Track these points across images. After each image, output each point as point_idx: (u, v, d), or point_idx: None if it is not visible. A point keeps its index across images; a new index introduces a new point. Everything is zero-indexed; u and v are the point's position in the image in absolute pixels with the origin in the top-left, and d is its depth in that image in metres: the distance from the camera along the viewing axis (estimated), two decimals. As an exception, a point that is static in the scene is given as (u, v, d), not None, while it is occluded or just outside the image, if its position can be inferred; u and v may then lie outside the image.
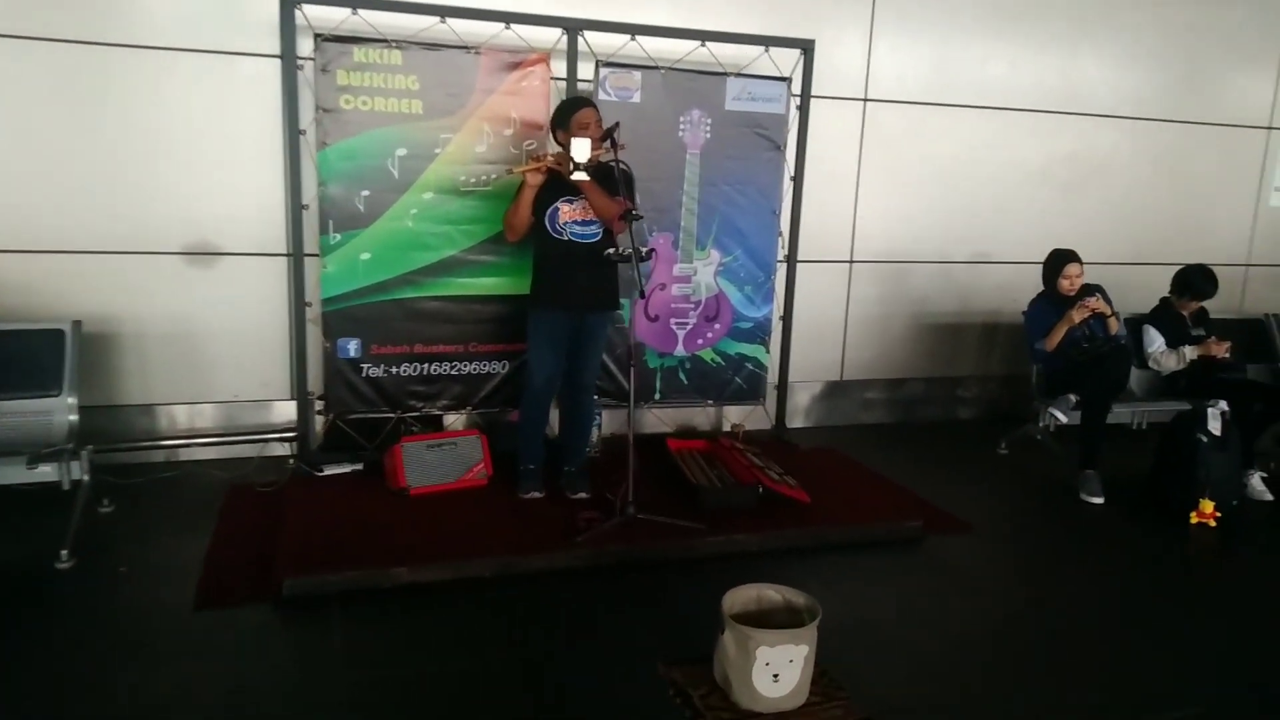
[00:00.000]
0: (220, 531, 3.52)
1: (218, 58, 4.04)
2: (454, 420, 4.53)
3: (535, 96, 4.23)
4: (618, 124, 3.53)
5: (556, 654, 2.78)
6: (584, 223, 3.69)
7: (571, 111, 3.64)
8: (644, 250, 3.54)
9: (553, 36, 4.24)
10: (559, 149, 3.69)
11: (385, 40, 3.99)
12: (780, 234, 4.80)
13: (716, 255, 4.70)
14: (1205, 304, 4.89)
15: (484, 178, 4.21)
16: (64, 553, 3.20)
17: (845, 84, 5.03)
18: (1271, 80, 5.95)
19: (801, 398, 5.30)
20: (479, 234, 4.24)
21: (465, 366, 4.38)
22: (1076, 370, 4.53)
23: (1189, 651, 2.97)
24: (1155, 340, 4.79)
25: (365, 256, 4.11)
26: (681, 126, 4.50)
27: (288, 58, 3.93)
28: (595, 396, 4.17)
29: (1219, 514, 3.99)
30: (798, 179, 4.78)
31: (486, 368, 4.41)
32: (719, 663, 2.09)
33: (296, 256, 4.12)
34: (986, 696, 2.66)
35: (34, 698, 2.46)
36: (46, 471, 3.27)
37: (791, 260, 4.87)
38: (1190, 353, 4.70)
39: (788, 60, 4.63)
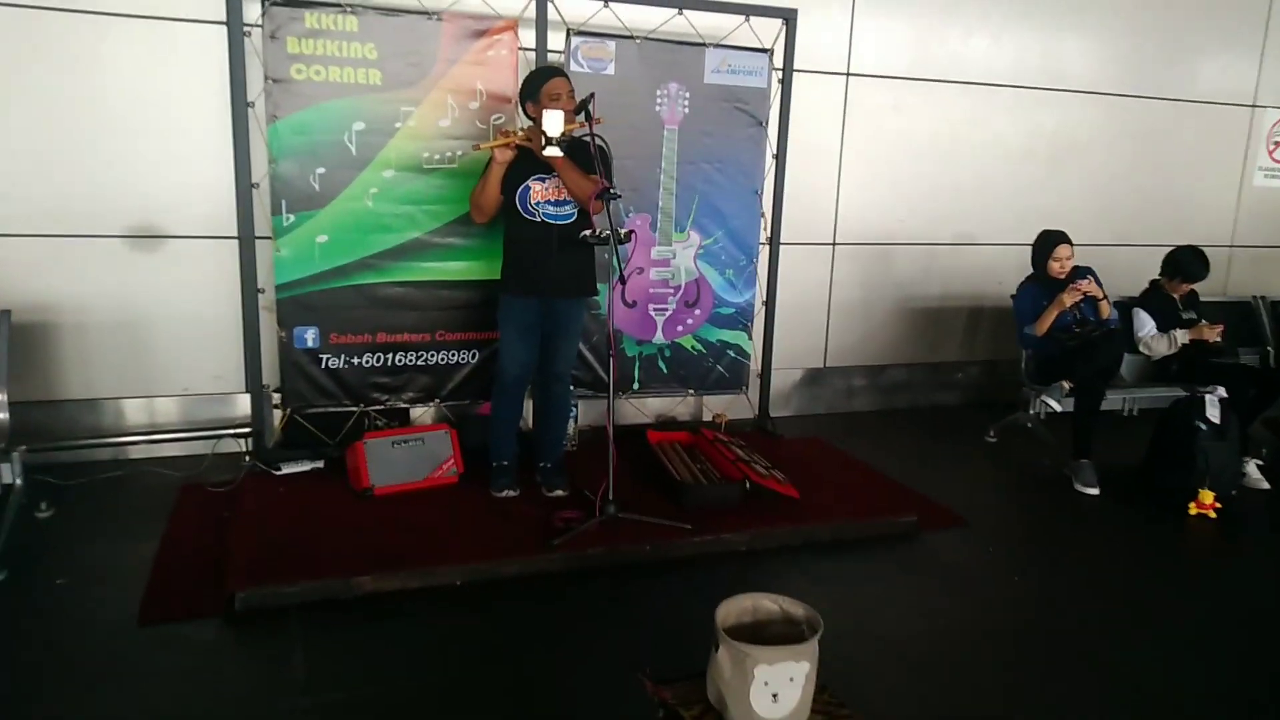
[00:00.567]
0: (169, 537, 3.35)
1: (157, 24, 3.82)
2: (421, 414, 4.39)
3: (503, 67, 4.04)
4: (592, 95, 3.30)
5: (535, 670, 2.62)
6: (558, 203, 3.49)
7: (541, 82, 3.44)
8: (622, 232, 3.37)
9: (520, 3, 4.07)
10: (529, 123, 3.49)
11: (340, 4, 3.78)
12: (763, 215, 4.62)
13: (696, 237, 4.51)
14: (1195, 286, 4.79)
15: (449, 154, 4.03)
16: (-7, 564, 3.01)
17: (827, 58, 4.90)
18: (1255, 57, 5.90)
19: (783, 385, 5.17)
20: (445, 215, 4.06)
21: (432, 356, 4.21)
22: (1068, 355, 4.44)
23: (1201, 651, 2.87)
24: (1146, 324, 4.69)
25: (322, 239, 3.94)
26: (658, 100, 4.30)
27: (233, 24, 3.74)
28: (571, 387, 4.00)
29: (1219, 505, 3.89)
30: (780, 156, 4.61)
31: (455, 358, 4.24)
32: (713, 681, 1.94)
33: (246, 239, 3.93)
34: (992, 714, 2.51)
35: (-46, 729, 2.27)
36: (-28, 475, 3.09)
37: (774, 242, 4.70)
38: (1182, 336, 4.60)
39: (769, 31, 4.47)
